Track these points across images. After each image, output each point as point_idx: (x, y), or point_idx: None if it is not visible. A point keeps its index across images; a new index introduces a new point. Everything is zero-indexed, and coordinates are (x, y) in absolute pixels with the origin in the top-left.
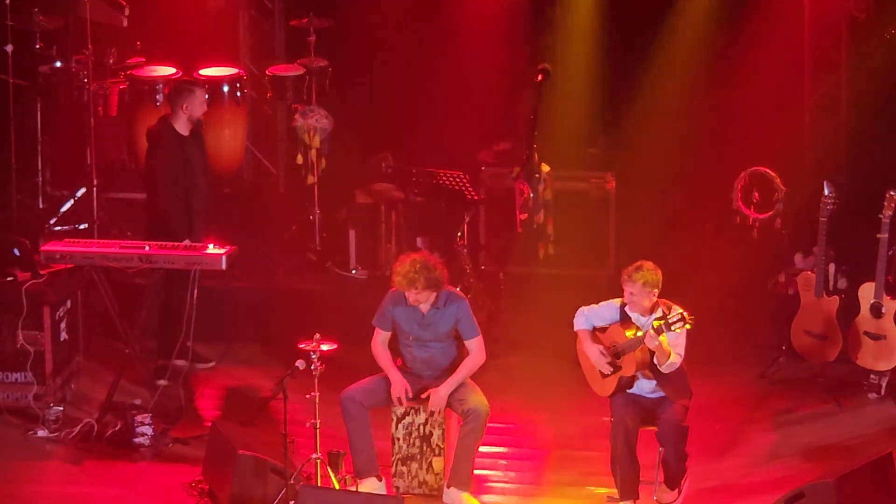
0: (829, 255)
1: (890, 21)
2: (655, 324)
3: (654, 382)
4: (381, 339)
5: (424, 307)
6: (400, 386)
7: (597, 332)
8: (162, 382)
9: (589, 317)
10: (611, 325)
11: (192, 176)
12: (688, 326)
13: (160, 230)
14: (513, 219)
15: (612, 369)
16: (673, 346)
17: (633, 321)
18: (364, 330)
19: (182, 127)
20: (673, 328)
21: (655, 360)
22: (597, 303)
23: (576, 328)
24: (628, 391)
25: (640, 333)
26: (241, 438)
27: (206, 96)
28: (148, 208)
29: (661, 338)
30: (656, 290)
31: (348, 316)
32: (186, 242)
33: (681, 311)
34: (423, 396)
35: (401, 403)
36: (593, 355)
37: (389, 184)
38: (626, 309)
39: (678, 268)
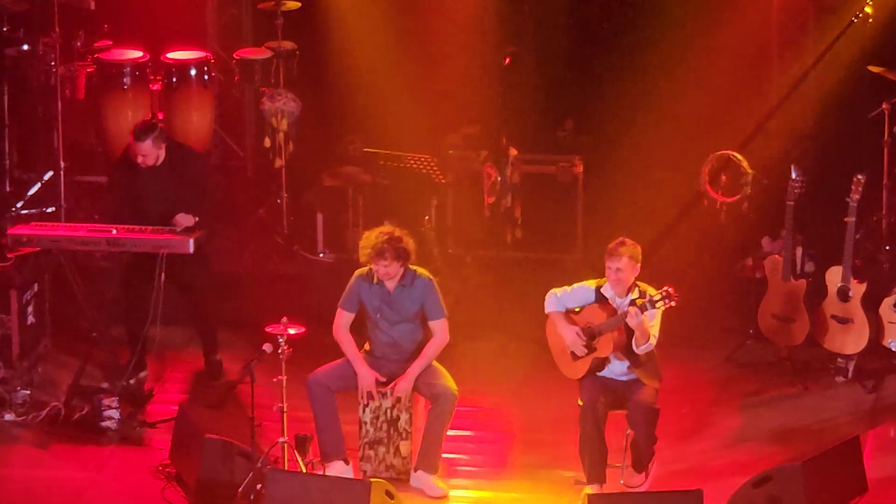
0: (797, 239)
1: (856, 4)
2: (639, 301)
3: (626, 364)
4: (344, 321)
5: (391, 284)
6: (368, 380)
7: (570, 314)
8: (143, 374)
9: (562, 299)
10: (586, 307)
11: (147, 199)
12: (672, 304)
13: None
14: (480, 202)
15: (586, 351)
16: (650, 326)
17: (610, 301)
18: (332, 313)
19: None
20: (657, 305)
21: (634, 341)
22: (567, 286)
23: (547, 310)
24: (598, 374)
25: (619, 313)
26: (208, 422)
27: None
28: None
29: (643, 315)
30: (639, 265)
31: (316, 299)
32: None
33: (666, 288)
34: (390, 387)
35: (371, 398)
36: (568, 337)
37: (357, 167)
38: (602, 290)
39: (645, 251)
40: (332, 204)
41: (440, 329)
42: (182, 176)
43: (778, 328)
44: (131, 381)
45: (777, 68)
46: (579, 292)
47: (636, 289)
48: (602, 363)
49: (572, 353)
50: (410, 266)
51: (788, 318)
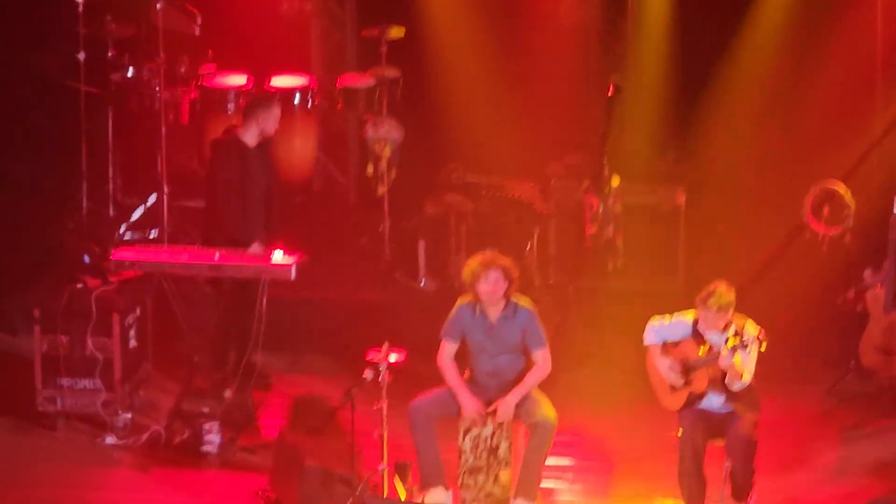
0: None
1: None
2: (730, 343)
3: (724, 397)
4: (448, 352)
5: (494, 314)
6: (473, 408)
7: (668, 347)
8: (227, 394)
9: (660, 332)
10: (682, 341)
11: (255, 186)
12: (762, 349)
13: (218, 235)
14: (582, 232)
15: (683, 384)
16: (744, 364)
17: (706, 338)
18: (432, 341)
19: (250, 138)
20: (748, 350)
21: (727, 380)
22: (667, 314)
23: (646, 343)
24: (697, 406)
25: (713, 352)
26: (308, 448)
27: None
28: (206, 213)
29: (735, 358)
30: (730, 310)
31: (416, 327)
32: (255, 247)
33: (756, 332)
34: (490, 410)
35: (476, 424)
36: (663, 369)
37: (459, 195)
38: (699, 326)
39: (746, 282)
40: (434, 232)
41: (542, 359)
42: (271, 163)
43: (880, 361)
44: (237, 405)
45: (881, 101)
46: (677, 326)
47: (732, 325)
48: (699, 397)
49: (670, 385)
50: (512, 298)
51: (890, 350)
